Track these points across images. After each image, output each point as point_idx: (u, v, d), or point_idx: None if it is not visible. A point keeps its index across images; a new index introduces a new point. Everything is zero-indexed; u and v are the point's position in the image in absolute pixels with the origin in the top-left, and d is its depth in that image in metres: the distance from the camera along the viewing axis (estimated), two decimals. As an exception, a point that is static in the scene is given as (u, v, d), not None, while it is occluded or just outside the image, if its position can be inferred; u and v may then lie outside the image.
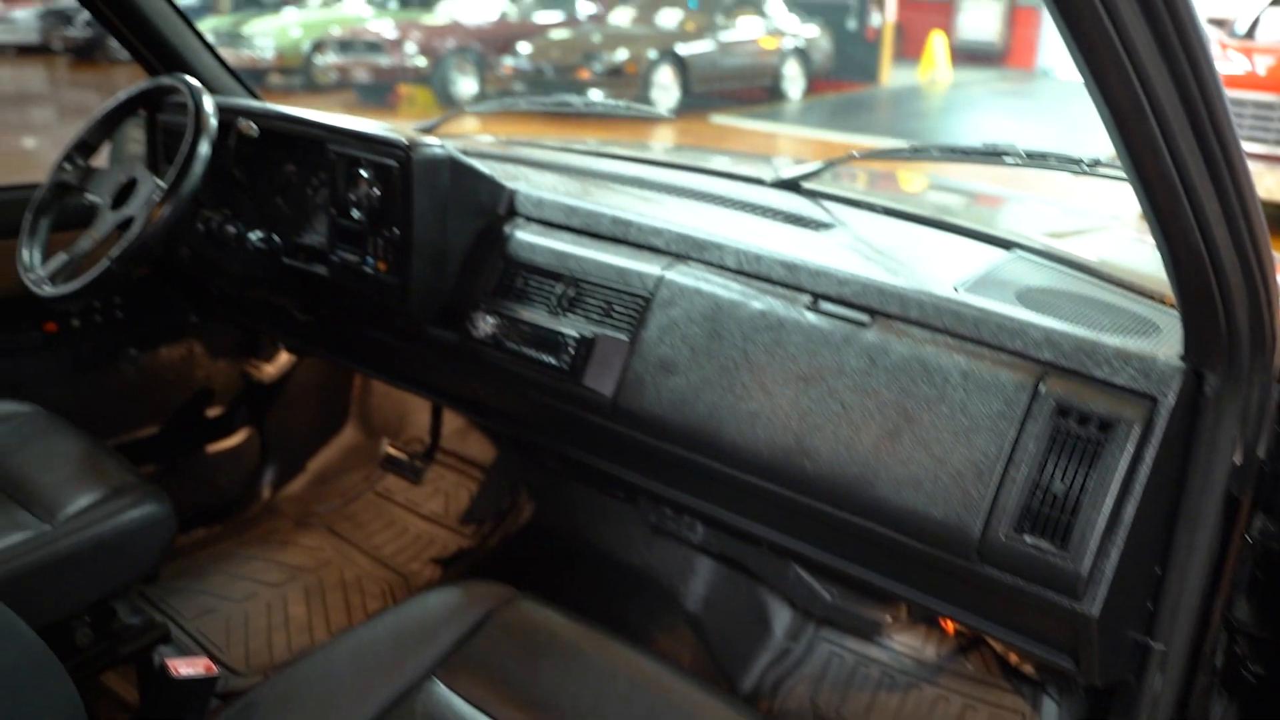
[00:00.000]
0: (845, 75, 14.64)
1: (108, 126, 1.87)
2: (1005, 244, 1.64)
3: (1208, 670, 1.39)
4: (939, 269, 1.50)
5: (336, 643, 1.34)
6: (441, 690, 1.26)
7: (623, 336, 1.54)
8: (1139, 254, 1.86)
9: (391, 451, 2.60)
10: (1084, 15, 0.84)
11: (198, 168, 1.66)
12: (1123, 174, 1.04)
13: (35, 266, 1.79)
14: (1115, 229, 2.09)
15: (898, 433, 1.30)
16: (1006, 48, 17.94)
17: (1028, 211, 2.27)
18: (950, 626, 2.02)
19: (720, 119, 11.71)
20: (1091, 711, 1.76)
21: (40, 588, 1.55)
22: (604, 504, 2.30)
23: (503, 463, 2.59)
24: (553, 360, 1.58)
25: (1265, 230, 1.08)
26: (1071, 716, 1.80)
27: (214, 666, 1.26)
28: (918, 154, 1.79)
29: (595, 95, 11.28)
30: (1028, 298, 1.40)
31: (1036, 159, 1.64)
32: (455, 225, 1.70)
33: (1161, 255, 1.09)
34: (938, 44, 15.94)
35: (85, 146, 1.86)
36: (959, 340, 1.32)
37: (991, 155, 1.67)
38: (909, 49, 16.90)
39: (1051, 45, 16.75)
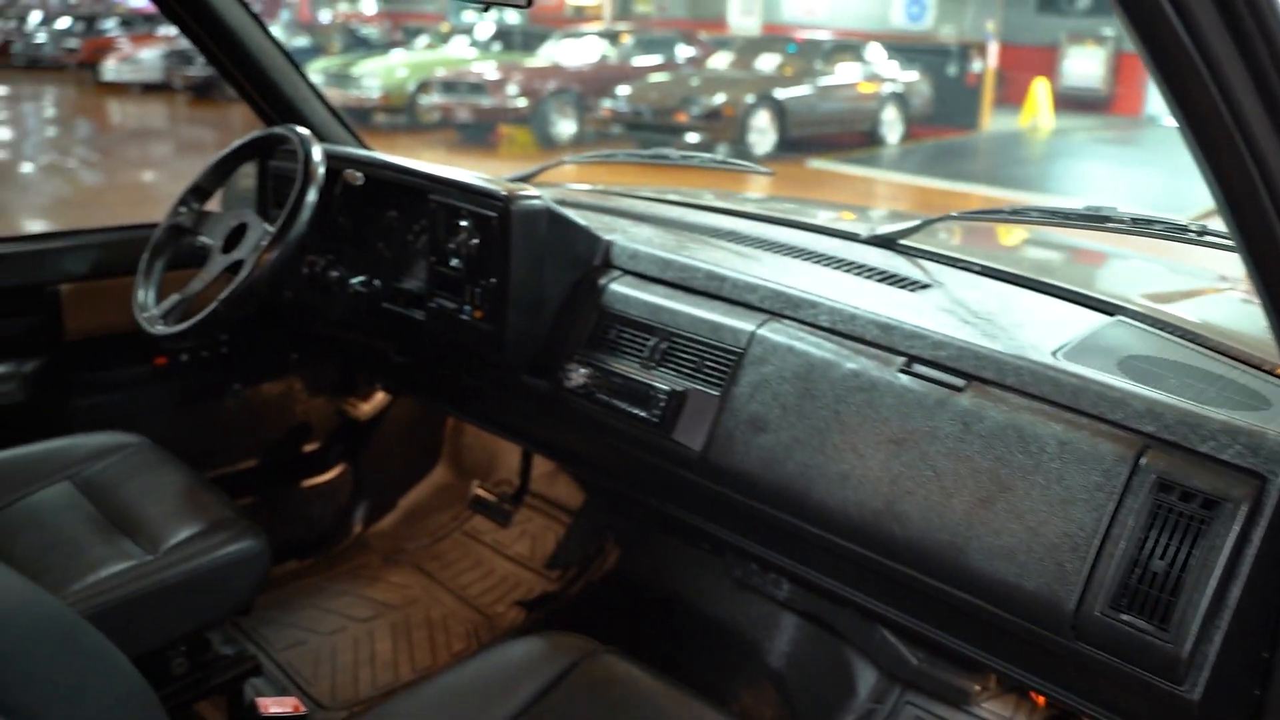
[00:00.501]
0: (945, 121, 14.51)
1: (222, 173, 1.95)
2: (1107, 308, 1.60)
3: None
4: (1038, 334, 1.47)
5: (422, 687, 1.36)
6: None
7: (714, 392, 1.54)
8: (1247, 318, 1.80)
9: (480, 493, 2.63)
10: (1190, 87, 0.82)
11: (305, 214, 1.71)
12: (1231, 245, 1.01)
13: (150, 306, 1.86)
14: (1223, 291, 2.03)
15: (991, 501, 1.27)
16: (1112, 94, 17.59)
17: (1130, 270, 2.21)
18: (1041, 700, 1.96)
19: (817, 163, 11.69)
20: None
21: (141, 616, 1.60)
22: (690, 556, 2.29)
23: (590, 509, 2.60)
24: (643, 413, 1.59)
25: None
26: None
27: (302, 706, 1.29)
28: (1017, 216, 1.76)
29: (692, 138, 11.36)
30: (1130, 366, 1.37)
31: (1141, 224, 1.59)
32: (551, 276, 1.72)
33: (1272, 329, 1.06)
34: (1040, 90, 15.72)
35: (200, 191, 1.94)
36: (1057, 409, 1.29)
37: (1094, 219, 1.63)
38: (1011, 95, 16.68)
39: (1159, 92, 16.36)
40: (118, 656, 1.08)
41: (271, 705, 1.26)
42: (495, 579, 2.56)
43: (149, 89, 15.93)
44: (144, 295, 1.88)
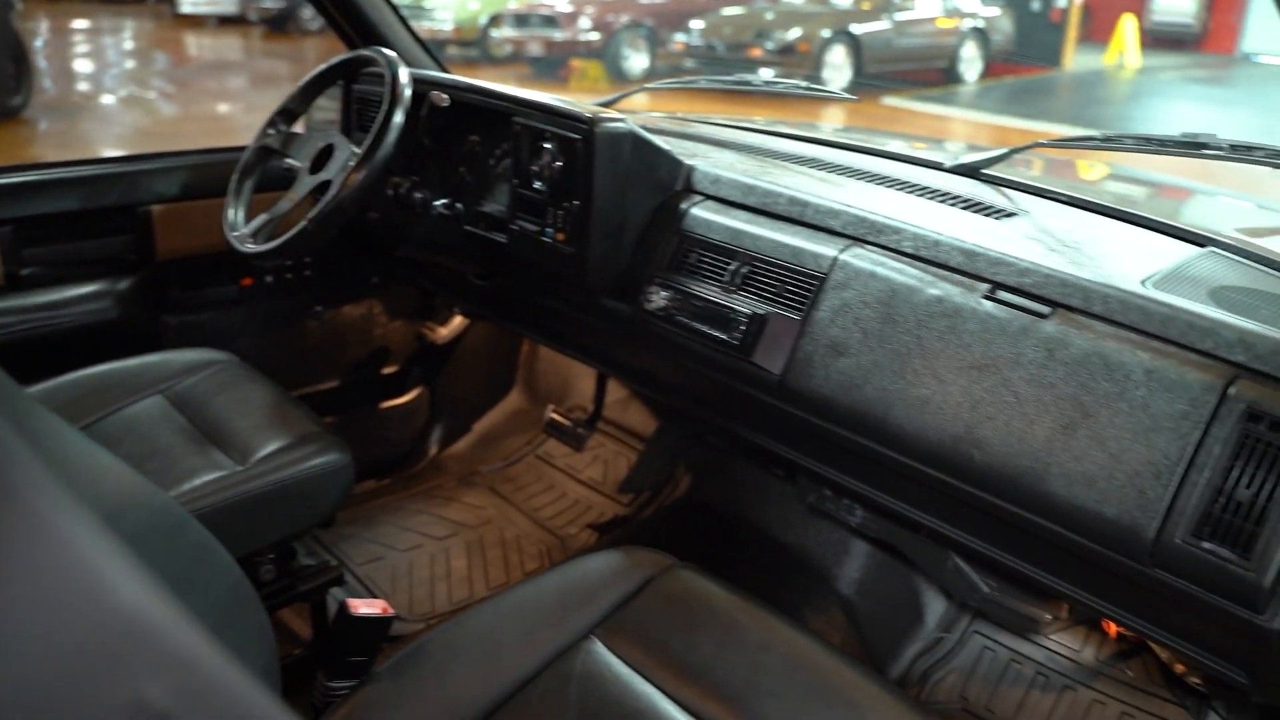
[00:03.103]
0: (1026, 58, 14.11)
1: (310, 94, 1.97)
2: (1198, 240, 1.57)
3: None
4: (1126, 263, 1.45)
5: (503, 597, 1.40)
6: (600, 650, 1.30)
7: (794, 316, 1.55)
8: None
9: (555, 417, 2.68)
10: None
11: (391, 136, 1.74)
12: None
13: (239, 225, 1.90)
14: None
15: (1073, 428, 1.27)
16: (1204, 31, 16.93)
17: (1220, 205, 2.16)
18: (1113, 630, 1.96)
19: (893, 101, 11.47)
20: None
21: (232, 523, 1.66)
22: (762, 482, 2.31)
23: (663, 435, 2.63)
24: (723, 336, 1.60)
25: None
26: None
27: (390, 609, 1.33)
28: (1109, 143, 1.72)
29: (767, 74, 11.21)
30: (1221, 296, 1.35)
31: (1241, 151, 1.55)
32: (634, 199, 1.73)
33: None
34: (1128, 26, 15.19)
35: (288, 113, 1.97)
36: (1144, 337, 1.28)
37: (1191, 146, 1.60)
38: (1096, 31, 16.14)
39: (1256, 28, 15.75)
40: (221, 552, 1.13)
41: (362, 606, 1.30)
42: (568, 502, 2.61)
43: (224, 22, 16.06)
44: (234, 214, 1.92)
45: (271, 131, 1.96)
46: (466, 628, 1.35)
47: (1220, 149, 1.56)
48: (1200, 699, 1.82)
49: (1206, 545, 1.16)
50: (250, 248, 1.84)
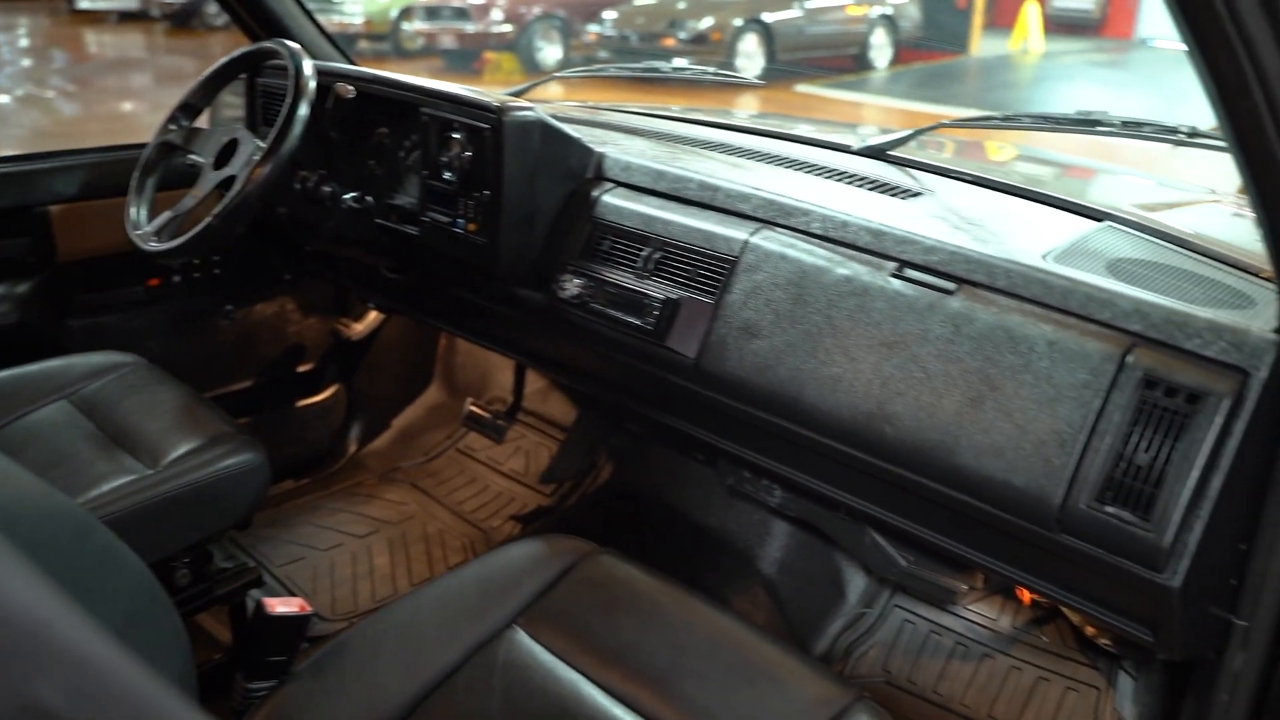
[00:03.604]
0: (934, 44, 14.34)
1: (212, 88, 1.93)
2: (1096, 215, 1.62)
3: None
4: (1027, 239, 1.49)
5: (423, 590, 1.39)
6: (523, 639, 1.30)
7: (707, 300, 1.56)
8: (1234, 227, 1.82)
9: (474, 410, 2.66)
10: None
11: (296, 128, 1.71)
12: (1222, 144, 1.02)
13: (142, 223, 1.86)
14: (1211, 202, 2.05)
15: (980, 400, 1.30)
16: (1103, 16, 17.38)
17: (1120, 183, 2.23)
18: (1026, 597, 2.01)
19: (805, 88, 11.57)
20: (1168, 688, 1.75)
21: (143, 529, 1.62)
22: (683, 466, 2.33)
23: (583, 424, 2.63)
24: (637, 321, 1.61)
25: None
26: (1148, 692, 1.79)
27: (308, 606, 1.31)
28: (1009, 122, 1.76)
29: (680, 63, 11.22)
30: (1118, 268, 1.39)
31: (1132, 127, 1.60)
32: (544, 188, 1.73)
33: (1260, 227, 1.08)
34: (1031, 12, 15.52)
35: (190, 108, 1.93)
36: (1046, 310, 1.31)
37: (1085, 124, 1.65)
38: (1001, 17, 16.45)
39: (1151, 14, 16.22)
40: (131, 557, 1.10)
41: (279, 605, 1.29)
42: (490, 494, 2.59)
43: (125, 18, 15.57)
44: (136, 213, 1.87)
45: (173, 127, 1.91)
46: (387, 622, 1.34)
47: (1113, 125, 1.61)
48: (1111, 659, 1.88)
49: (1110, 509, 1.20)
50: (154, 246, 1.80)
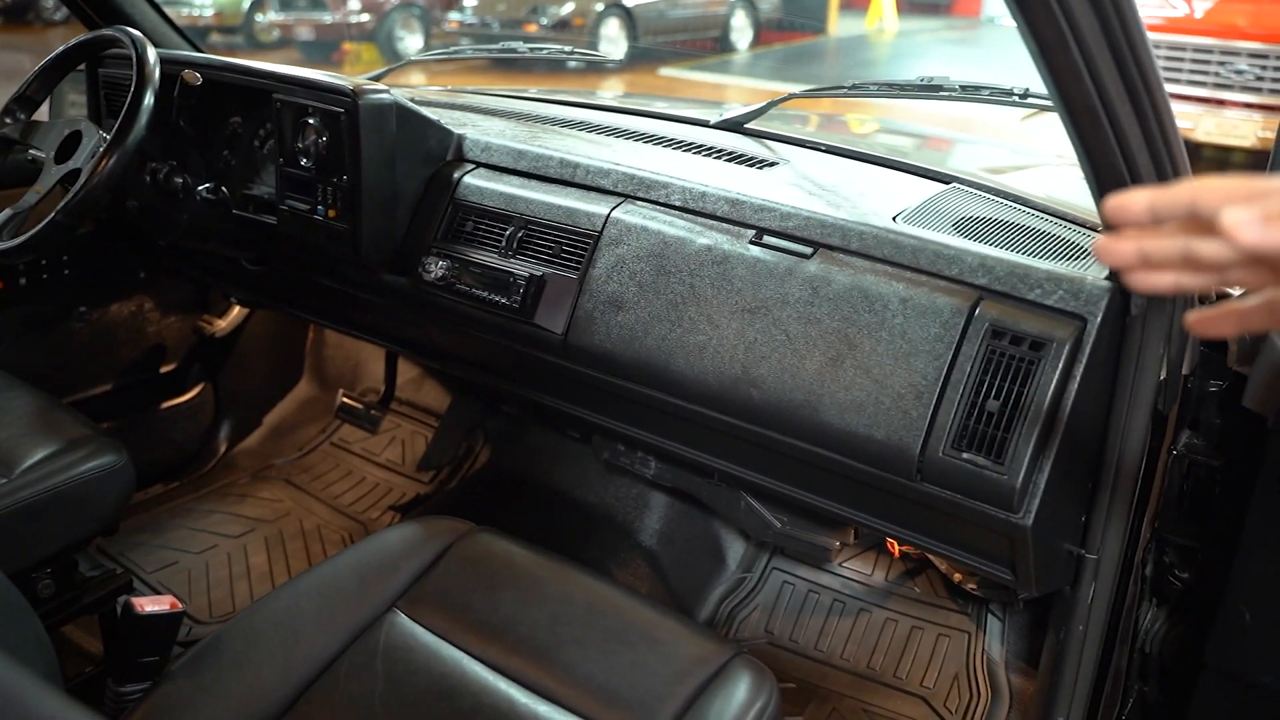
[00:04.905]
0: (793, 25, 14.59)
1: (49, 79, 1.86)
2: (944, 178, 1.68)
3: (1138, 579, 1.46)
4: (879, 202, 1.54)
5: (298, 581, 1.37)
6: (404, 621, 1.30)
7: (572, 275, 1.57)
8: (1073, 186, 1.91)
9: (347, 402, 2.62)
10: None
11: (143, 118, 1.66)
12: (1050, 102, 1.07)
13: (-20, 221, 1.78)
14: (1054, 165, 2.14)
15: (840, 359, 1.34)
16: (953, -5, 17.96)
17: (973, 151, 2.32)
18: (896, 550, 2.09)
19: (668, 71, 11.65)
20: (1031, 625, 1.83)
21: (0, 539, 1.56)
22: (559, 445, 2.34)
23: (458, 409, 2.62)
24: (504, 300, 1.61)
25: (1184, 154, 1.12)
26: (1014, 632, 1.88)
27: (179, 604, 1.28)
28: (856, 90, 1.82)
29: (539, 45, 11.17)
30: (964, 226, 1.45)
31: (970, 91, 1.68)
32: (404, 171, 1.71)
33: (1086, 180, 1.14)
34: (885, -8, 15.92)
35: (26, 100, 1.85)
36: (898, 269, 1.36)
37: (928, 90, 1.71)
38: (856, -2, 16.87)
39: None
40: None
41: (148, 604, 1.25)
42: (367, 486, 2.56)
43: (-48, 13, 14.80)
44: None
45: (9, 121, 1.83)
46: (264, 615, 1.32)
47: (953, 90, 1.68)
48: (978, 604, 1.96)
49: (965, 455, 1.26)
50: None
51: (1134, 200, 0.61)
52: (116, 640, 1.74)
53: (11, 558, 1.59)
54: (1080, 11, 0.92)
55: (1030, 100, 1.62)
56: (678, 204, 1.56)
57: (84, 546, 1.79)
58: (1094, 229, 1.48)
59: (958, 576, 1.96)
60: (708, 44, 13.29)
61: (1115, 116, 1.03)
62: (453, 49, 2.36)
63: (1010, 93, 1.65)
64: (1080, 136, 1.07)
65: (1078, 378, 1.22)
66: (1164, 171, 1.11)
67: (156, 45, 1.77)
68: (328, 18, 11.98)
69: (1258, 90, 6.23)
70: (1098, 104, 1.01)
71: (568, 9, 11.65)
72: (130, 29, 1.78)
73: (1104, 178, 1.10)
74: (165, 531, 2.35)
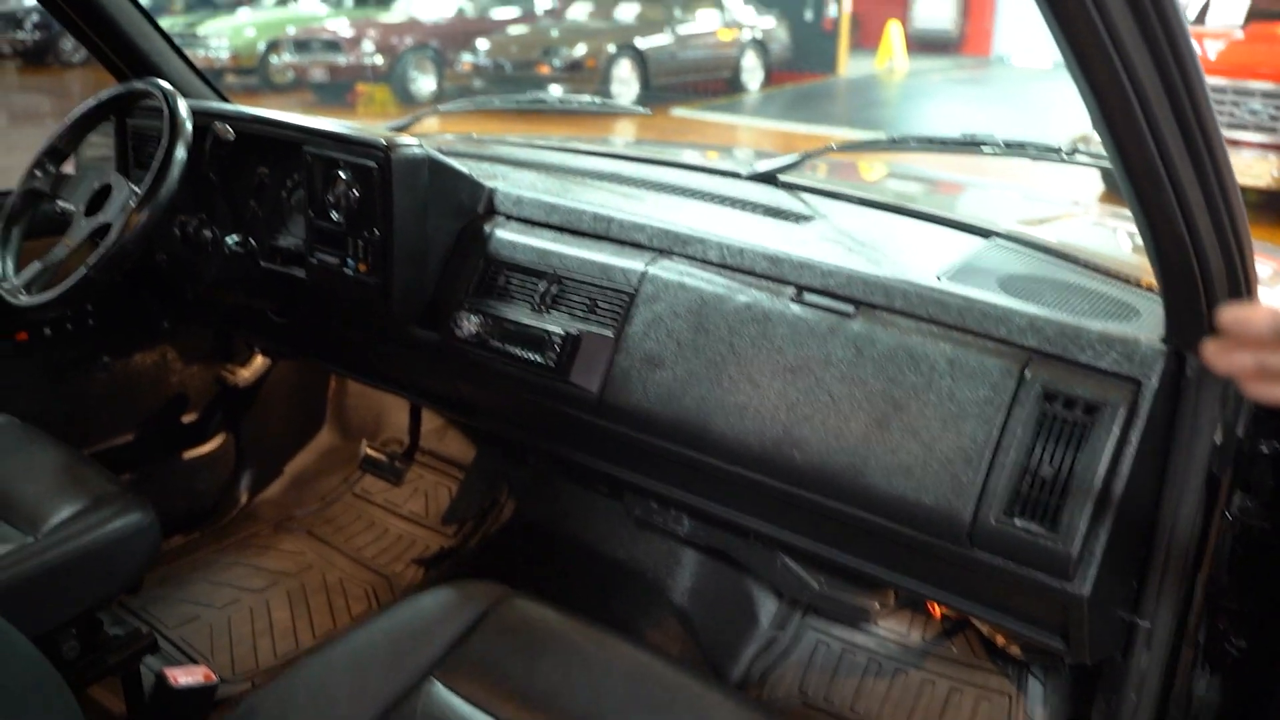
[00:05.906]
0: (803, 66, 14.69)
1: (80, 131, 1.85)
2: (982, 232, 1.66)
3: (1192, 646, 1.42)
4: (920, 259, 1.52)
5: (332, 646, 1.34)
6: (440, 690, 1.26)
7: (608, 333, 1.55)
8: (1107, 238, 1.89)
9: (370, 453, 2.59)
10: (1070, 7, 0.85)
11: (175, 172, 1.65)
12: (1102, 161, 1.05)
13: (9, 276, 1.77)
14: (1080, 214, 2.12)
15: (886, 421, 1.31)
16: (962, 36, 18.08)
17: (993, 198, 2.29)
18: (936, 611, 2.04)
19: (681, 112, 11.71)
20: (1077, 690, 1.79)
21: (26, 601, 1.53)
22: (588, 499, 2.30)
23: (483, 461, 2.59)
24: (538, 358, 1.58)
25: (1244, 215, 1.10)
26: (1057, 695, 1.83)
27: (213, 675, 1.25)
28: (896, 145, 1.80)
29: (556, 91, 11.27)
30: (1009, 285, 1.42)
31: (1015, 148, 1.66)
32: (435, 225, 1.70)
33: (1144, 240, 1.11)
34: (894, 33, 16.03)
35: (56, 153, 1.84)
36: (944, 329, 1.34)
37: (970, 145, 1.69)
38: (866, 39, 16.99)
39: (1006, 32, 16.93)
40: (12, 632, 1.04)
41: (181, 676, 1.22)
42: (391, 539, 2.53)
43: (-27, 56, 14.96)
44: (2, 266, 1.78)
45: (39, 174, 1.83)
46: (296, 684, 1.28)
47: (997, 146, 1.66)
48: (1020, 666, 1.91)
49: (1019, 522, 1.22)
50: (25, 300, 1.71)
51: (1257, 319, 0.62)
52: (145, 709, 1.70)
53: (38, 619, 1.56)
54: (1142, 68, 0.90)
55: (1079, 159, 1.60)
56: (715, 260, 1.54)
57: (108, 605, 1.76)
58: (1137, 284, 1.45)
59: (1000, 639, 1.91)
60: (719, 84, 13.39)
61: (1177, 178, 1.01)
62: (481, 100, 2.37)
63: (1057, 150, 1.63)
64: (1139, 196, 1.04)
65: (1134, 442, 1.19)
66: (1224, 234, 1.09)
67: (185, 95, 1.76)
68: (342, 59, 12.10)
69: (1272, 130, 6.23)
70: (1159, 165, 0.99)
71: (580, 51, 11.76)
72: (161, 81, 1.77)
73: (1163, 237, 1.08)
74: (187, 585, 2.31)
